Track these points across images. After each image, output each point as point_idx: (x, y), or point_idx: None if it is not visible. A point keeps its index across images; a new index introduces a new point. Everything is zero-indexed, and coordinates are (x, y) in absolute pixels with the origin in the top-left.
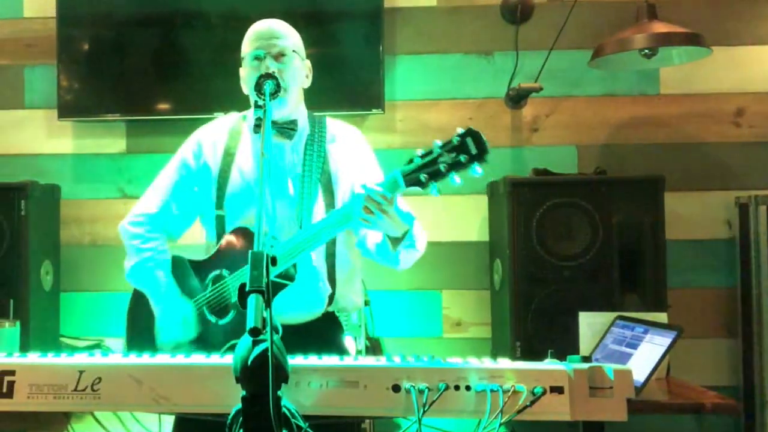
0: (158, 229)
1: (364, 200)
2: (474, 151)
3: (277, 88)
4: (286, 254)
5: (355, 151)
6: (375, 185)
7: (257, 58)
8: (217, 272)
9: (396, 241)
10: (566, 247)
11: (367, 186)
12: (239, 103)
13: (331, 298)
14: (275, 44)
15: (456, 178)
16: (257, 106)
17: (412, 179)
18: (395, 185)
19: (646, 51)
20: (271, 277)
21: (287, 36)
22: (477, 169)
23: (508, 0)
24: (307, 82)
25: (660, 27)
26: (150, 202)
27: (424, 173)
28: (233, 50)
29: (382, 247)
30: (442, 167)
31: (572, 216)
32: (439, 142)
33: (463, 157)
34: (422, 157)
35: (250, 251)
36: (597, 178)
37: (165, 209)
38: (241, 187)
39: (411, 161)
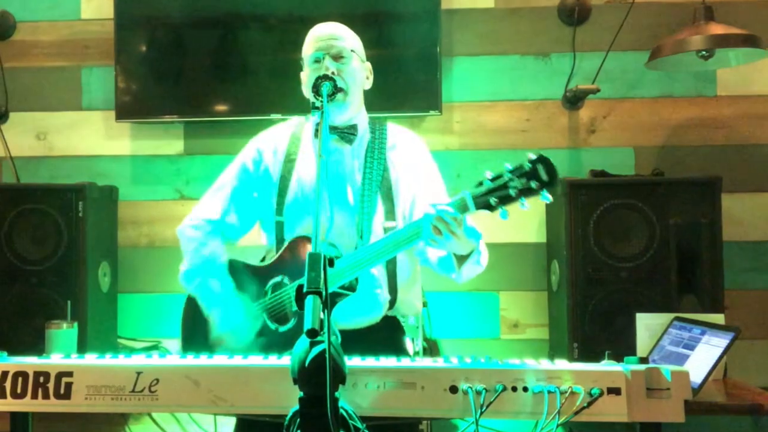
0: (216, 233)
1: (433, 220)
2: (545, 178)
3: (335, 89)
4: (349, 268)
5: (416, 160)
6: (445, 206)
7: (317, 60)
8: (277, 279)
9: (461, 258)
10: (623, 249)
11: (437, 206)
12: (297, 104)
13: (392, 303)
14: (334, 45)
15: (525, 203)
16: (314, 108)
17: (482, 202)
18: (465, 207)
19: (704, 52)
20: (333, 288)
21: (346, 37)
22: (547, 195)
23: (565, 1)
24: (368, 84)
25: (717, 28)
26: (209, 207)
27: (495, 197)
28: (291, 52)
29: (446, 261)
30: (512, 192)
31: (630, 217)
32: (509, 166)
33: (534, 184)
34: (492, 180)
35: (308, 253)
36: (654, 180)
37: (224, 215)
38: (301, 193)
39: (481, 184)
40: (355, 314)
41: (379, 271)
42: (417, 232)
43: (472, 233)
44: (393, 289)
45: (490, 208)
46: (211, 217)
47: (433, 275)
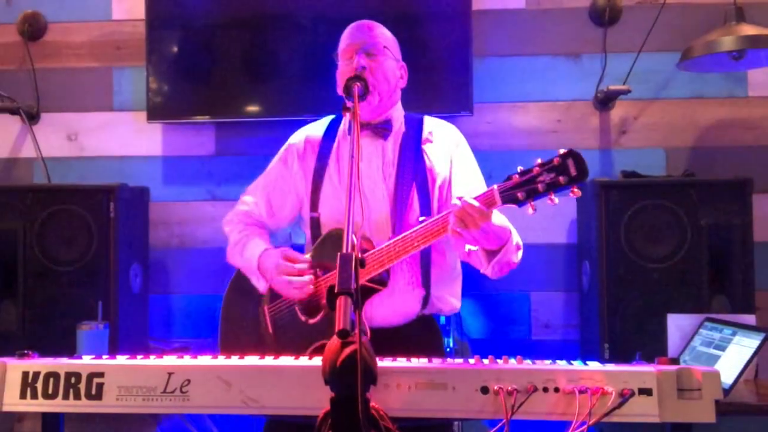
0: (255, 223)
1: (459, 213)
2: (574, 173)
3: (366, 89)
4: (377, 261)
5: (452, 151)
6: (471, 199)
7: (349, 55)
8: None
9: (491, 253)
10: (655, 250)
11: (462, 199)
12: (329, 105)
13: (426, 300)
14: (366, 41)
15: (553, 198)
16: (345, 108)
17: (509, 196)
18: (492, 201)
19: (735, 53)
20: (363, 281)
21: (379, 34)
22: (575, 190)
23: (596, 2)
24: (402, 83)
25: (748, 29)
26: (247, 203)
27: (522, 191)
28: (323, 52)
29: (476, 256)
30: (540, 186)
31: (661, 218)
32: (539, 161)
33: (562, 179)
34: (521, 174)
35: (339, 253)
36: (685, 180)
37: (260, 210)
38: (335, 189)
39: (509, 178)
40: (388, 310)
41: (411, 266)
42: (443, 224)
43: (501, 229)
44: (426, 284)
45: (516, 202)
46: (250, 210)
47: (463, 275)
